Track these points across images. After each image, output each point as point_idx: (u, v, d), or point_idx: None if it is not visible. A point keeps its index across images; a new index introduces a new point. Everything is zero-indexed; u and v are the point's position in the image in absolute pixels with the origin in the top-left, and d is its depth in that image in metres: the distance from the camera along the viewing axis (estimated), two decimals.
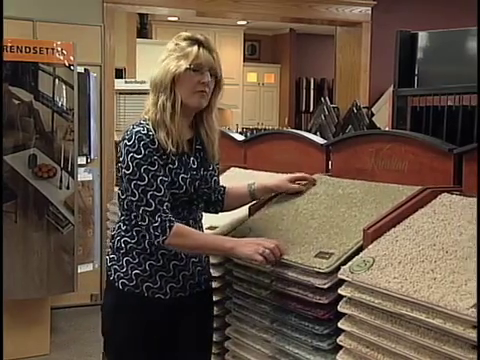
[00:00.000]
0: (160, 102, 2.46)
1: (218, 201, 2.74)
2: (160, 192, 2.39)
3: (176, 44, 2.48)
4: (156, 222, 2.38)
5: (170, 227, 2.38)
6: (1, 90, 4.48)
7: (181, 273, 2.54)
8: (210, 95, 2.51)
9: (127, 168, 2.40)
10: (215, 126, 2.58)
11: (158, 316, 2.55)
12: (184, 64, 2.43)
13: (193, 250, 2.49)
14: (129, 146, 2.40)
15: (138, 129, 2.42)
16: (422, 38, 4.69)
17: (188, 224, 2.50)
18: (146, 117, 2.48)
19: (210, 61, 2.46)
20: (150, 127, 2.43)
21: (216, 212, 2.77)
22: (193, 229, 2.50)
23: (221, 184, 2.74)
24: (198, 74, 2.44)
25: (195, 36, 2.48)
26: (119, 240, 2.56)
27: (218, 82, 2.53)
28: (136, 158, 2.39)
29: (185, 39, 2.48)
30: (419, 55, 4.69)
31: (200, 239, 2.48)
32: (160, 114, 2.45)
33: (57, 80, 4.86)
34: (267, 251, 2.35)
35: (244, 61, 12.60)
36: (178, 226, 2.41)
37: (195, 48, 2.44)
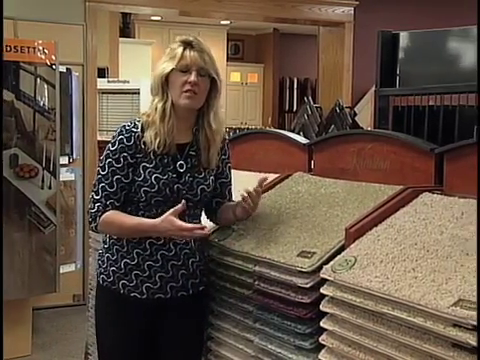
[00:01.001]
0: (154, 104, 2.53)
1: (213, 211, 2.73)
2: (111, 188, 2.50)
3: (171, 48, 2.53)
4: (92, 209, 2.51)
5: (100, 216, 2.49)
6: (1, 90, 4.47)
7: (157, 274, 2.54)
8: (204, 96, 2.53)
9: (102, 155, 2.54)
10: (217, 128, 2.58)
11: (136, 315, 2.57)
12: (171, 65, 2.48)
13: (123, 235, 2.55)
14: (112, 137, 2.52)
15: (125, 124, 2.53)
16: (403, 38, 4.72)
17: None
18: (143, 116, 2.54)
19: (198, 61, 2.47)
20: (139, 124, 2.51)
21: (212, 221, 2.76)
22: (122, 215, 2.51)
23: (227, 199, 2.74)
24: (186, 74, 2.47)
25: (187, 38, 2.51)
26: (105, 235, 2.64)
27: (214, 83, 2.54)
28: (108, 149, 2.52)
29: (177, 42, 2.52)
30: (400, 55, 4.72)
31: (124, 227, 2.50)
32: (152, 115, 2.51)
33: (39, 79, 4.84)
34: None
35: (227, 61, 12.61)
36: (107, 214, 2.49)
37: (181, 49, 2.48)
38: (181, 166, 2.54)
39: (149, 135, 2.48)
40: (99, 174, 2.52)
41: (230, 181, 2.74)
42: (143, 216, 2.52)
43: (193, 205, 2.57)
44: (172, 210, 2.39)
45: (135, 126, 2.51)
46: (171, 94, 2.50)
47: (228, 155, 2.72)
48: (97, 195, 2.51)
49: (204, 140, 2.57)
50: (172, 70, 2.48)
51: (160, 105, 2.50)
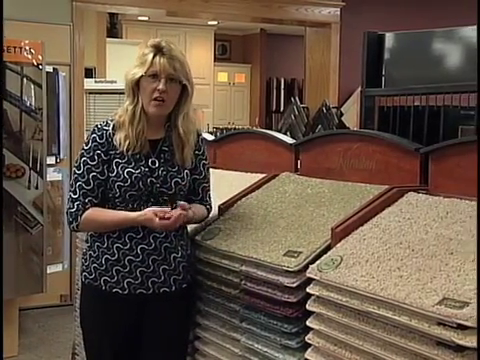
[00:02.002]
0: (125, 106, 2.58)
1: None
2: (88, 186, 2.54)
3: (143, 51, 2.55)
4: (72, 208, 2.55)
5: (81, 215, 2.54)
6: (1, 90, 4.46)
7: (138, 269, 2.56)
8: (174, 102, 2.56)
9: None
10: (188, 129, 2.61)
11: (119, 310, 2.59)
12: (140, 72, 2.51)
13: (105, 230, 2.57)
14: (86, 137, 2.60)
15: (98, 123, 2.59)
16: (389, 39, 4.74)
17: None
18: (115, 116, 2.59)
19: (167, 68, 2.49)
20: (111, 123, 2.57)
21: None
22: (102, 211, 2.56)
23: (200, 197, 2.72)
24: (155, 81, 2.50)
25: (158, 43, 2.52)
26: (87, 233, 2.68)
27: (185, 88, 2.56)
28: (83, 148, 2.57)
29: (148, 46, 2.53)
30: (386, 56, 4.74)
31: (106, 220, 2.55)
32: (123, 117, 2.56)
33: (25, 79, 4.83)
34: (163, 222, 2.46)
35: (215, 61, 12.59)
36: (88, 212, 2.53)
37: (151, 56, 2.50)
38: (153, 162, 2.58)
39: (119, 137, 2.54)
40: (75, 173, 2.57)
41: (204, 178, 2.73)
42: None
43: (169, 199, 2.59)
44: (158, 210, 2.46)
45: (107, 124, 2.58)
46: (141, 99, 2.54)
47: (203, 151, 2.72)
48: (75, 194, 2.55)
49: (177, 140, 2.60)
50: (142, 76, 2.51)
51: (130, 108, 2.55)
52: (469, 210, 2.20)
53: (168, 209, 2.47)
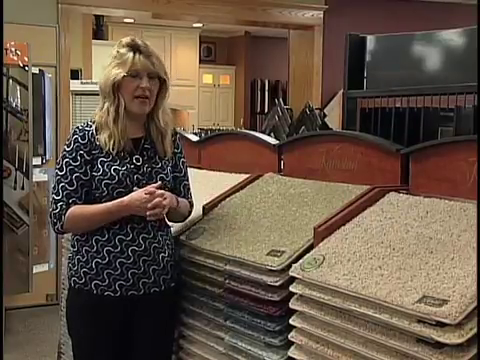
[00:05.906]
0: (105, 107, 2.58)
1: None
2: (71, 187, 2.53)
3: (117, 51, 2.56)
4: (55, 210, 2.52)
5: (64, 214, 2.51)
6: (1, 91, 4.45)
7: (129, 271, 2.56)
8: (154, 98, 2.59)
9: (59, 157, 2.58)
10: (166, 121, 2.64)
11: (110, 314, 2.59)
12: (122, 72, 2.51)
13: (91, 227, 2.56)
14: (67, 139, 2.59)
15: (78, 125, 2.59)
16: (370, 41, 4.76)
17: (133, 219, 2.55)
18: (95, 118, 2.60)
19: (147, 66, 2.52)
20: (92, 124, 2.58)
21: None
22: (86, 206, 2.54)
23: (182, 195, 2.73)
24: (136, 79, 2.52)
25: (134, 42, 2.54)
26: (73, 238, 2.65)
27: (163, 83, 2.60)
28: (64, 149, 2.56)
29: (124, 46, 2.55)
30: (368, 58, 4.76)
31: (95, 212, 2.53)
32: (105, 117, 2.56)
33: (11, 80, 4.84)
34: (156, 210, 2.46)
35: (200, 63, 12.58)
36: (71, 210, 2.51)
37: (131, 55, 2.52)
38: (137, 160, 2.59)
39: (103, 137, 2.54)
40: (58, 175, 2.56)
41: (184, 176, 2.76)
42: None
43: None
44: (144, 188, 2.48)
45: (88, 125, 2.58)
46: (123, 98, 2.55)
47: (181, 149, 2.76)
48: (58, 195, 2.53)
49: (156, 133, 2.63)
50: (123, 77, 2.51)
51: (112, 109, 2.55)
52: (448, 210, 2.23)
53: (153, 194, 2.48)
